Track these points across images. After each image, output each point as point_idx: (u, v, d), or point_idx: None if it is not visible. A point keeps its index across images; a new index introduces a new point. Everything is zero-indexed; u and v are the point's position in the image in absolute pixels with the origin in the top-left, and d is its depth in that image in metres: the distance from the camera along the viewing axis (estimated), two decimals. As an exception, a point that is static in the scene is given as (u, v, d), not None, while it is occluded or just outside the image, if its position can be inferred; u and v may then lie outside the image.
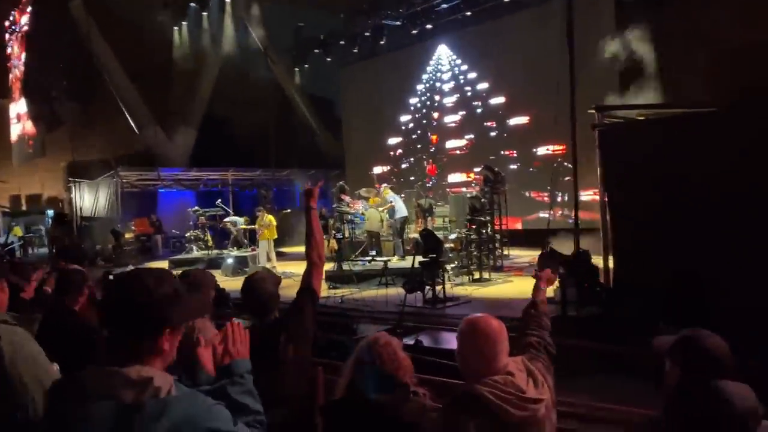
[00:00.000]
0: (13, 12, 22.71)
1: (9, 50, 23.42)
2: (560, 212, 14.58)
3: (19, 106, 22.76)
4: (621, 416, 4.28)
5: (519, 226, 15.14)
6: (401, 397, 2.17)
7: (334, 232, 13.28)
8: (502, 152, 16.31)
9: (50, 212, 21.84)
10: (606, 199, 7.46)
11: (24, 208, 24.29)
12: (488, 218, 10.75)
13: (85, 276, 3.64)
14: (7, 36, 23.46)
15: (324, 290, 9.93)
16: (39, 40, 20.78)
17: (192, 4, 19.34)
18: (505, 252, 12.51)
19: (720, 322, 2.45)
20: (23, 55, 21.95)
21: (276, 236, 13.87)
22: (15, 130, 23.07)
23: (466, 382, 1.83)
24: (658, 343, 2.00)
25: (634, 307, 6.68)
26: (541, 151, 15.25)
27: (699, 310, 5.49)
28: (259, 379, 1.64)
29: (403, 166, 19.44)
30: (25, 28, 21.69)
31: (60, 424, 1.38)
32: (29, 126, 21.85)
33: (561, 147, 13.99)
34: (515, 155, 16.16)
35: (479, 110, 17.20)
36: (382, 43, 18.73)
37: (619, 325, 6.56)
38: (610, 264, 7.58)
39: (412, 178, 18.45)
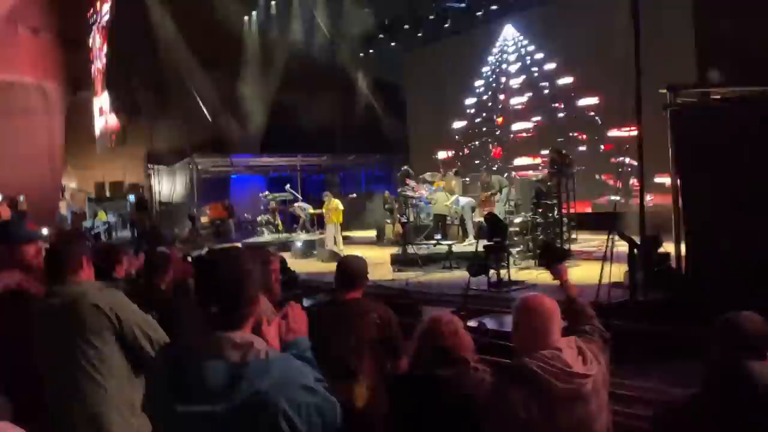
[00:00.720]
0: (94, 5, 23.75)
1: (91, 42, 24.54)
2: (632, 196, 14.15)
3: (101, 100, 23.94)
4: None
5: (589, 209, 14.82)
6: (462, 372, 2.30)
7: (399, 216, 13.44)
8: (571, 134, 15.93)
9: (131, 198, 23.06)
10: (678, 182, 7.25)
11: (108, 194, 25.70)
12: (555, 202, 10.61)
13: (170, 257, 3.95)
14: (89, 28, 24.59)
15: (389, 273, 10.16)
16: (118, 30, 21.76)
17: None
18: (573, 236, 12.31)
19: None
20: (105, 47, 22.97)
21: (342, 220, 14.18)
22: (98, 124, 24.32)
23: (516, 356, 1.94)
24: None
25: (707, 293, 6.52)
26: (612, 132, 14.82)
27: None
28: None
29: (467, 150, 19.33)
30: (106, 17, 22.64)
31: (178, 381, 1.60)
32: (112, 120, 22.97)
33: (633, 128, 13.53)
34: (585, 137, 15.77)
35: (546, 91, 16.84)
36: (446, 26, 18.59)
37: (691, 311, 6.42)
38: (683, 249, 7.37)
39: (477, 162, 18.34)
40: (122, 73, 21.99)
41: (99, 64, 23.93)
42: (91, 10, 24.05)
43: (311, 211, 16.14)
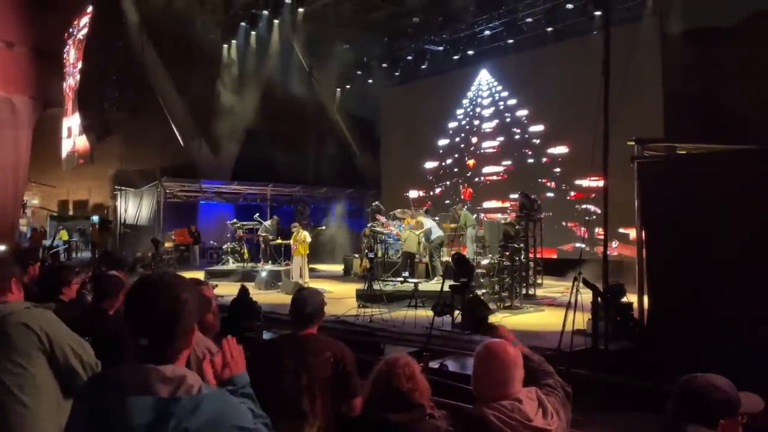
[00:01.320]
0: (72, 19, 23.47)
1: (65, 57, 24.18)
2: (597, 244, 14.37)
3: (71, 121, 23.49)
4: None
5: (554, 255, 14.96)
6: (416, 418, 2.21)
7: (366, 251, 13.36)
8: (540, 180, 16.20)
9: (95, 218, 22.53)
10: (642, 233, 7.35)
11: (71, 213, 25.10)
12: (522, 245, 10.67)
13: (122, 282, 3.79)
14: (66, 47, 24.28)
15: (353, 309, 10.01)
16: (94, 49, 21.53)
17: (243, 24, 19.89)
18: (539, 281, 12.38)
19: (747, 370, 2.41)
20: (79, 63, 22.64)
21: (308, 252, 14.02)
22: (65, 146, 23.80)
23: (475, 405, 1.86)
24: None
25: (664, 346, 6.55)
26: (580, 182, 15.09)
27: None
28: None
29: (438, 189, 19.46)
30: (84, 31, 22.34)
31: (100, 417, 1.46)
32: (80, 142, 22.50)
33: (600, 178, 13.76)
34: (553, 185, 16.03)
35: (518, 137, 17.15)
36: (423, 67, 18.93)
37: (651, 362, 6.43)
38: (645, 300, 7.43)
39: (447, 201, 18.46)
40: (96, 91, 21.71)
41: (72, 80, 23.55)
42: (69, 26, 23.79)
43: (279, 241, 15.96)
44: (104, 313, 3.41)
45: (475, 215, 16.56)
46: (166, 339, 1.51)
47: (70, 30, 23.29)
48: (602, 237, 12.85)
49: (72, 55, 23.22)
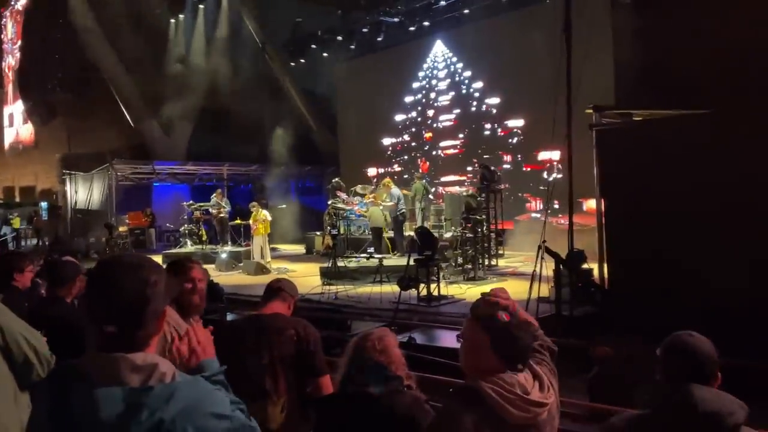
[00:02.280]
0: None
1: (2, 33, 22.98)
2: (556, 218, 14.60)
3: (13, 108, 22.39)
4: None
5: (511, 227, 15.13)
6: (394, 390, 2.20)
7: (329, 228, 13.27)
8: (497, 152, 16.29)
9: (44, 204, 21.74)
10: (602, 200, 7.47)
11: (17, 200, 24.15)
12: (483, 217, 10.74)
13: (78, 267, 3.62)
14: (3, 23, 23.04)
15: (318, 287, 9.95)
16: (34, 25, 20.52)
17: (189, -4, 19.28)
18: (500, 251, 12.53)
19: (711, 323, 2.47)
20: (18, 40, 21.53)
21: (269, 231, 13.85)
22: (8, 136, 22.74)
23: (470, 378, 1.81)
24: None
25: (627, 308, 6.71)
26: (537, 153, 15.22)
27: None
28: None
29: (397, 166, 19.40)
30: (21, 3, 21.17)
31: (64, 411, 1.36)
32: (24, 131, 21.50)
33: (557, 152, 13.93)
34: (509, 158, 16.14)
35: (474, 109, 17.18)
36: (379, 39, 18.67)
37: (612, 325, 6.59)
38: (605, 266, 7.59)
39: (405, 176, 18.43)
40: (37, 71, 20.76)
41: (11, 59, 22.44)
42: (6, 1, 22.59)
43: (237, 221, 15.70)
44: (62, 301, 3.25)
45: (433, 189, 16.65)
46: (135, 324, 1.39)
47: (7, 6, 22.10)
48: (557, 207, 13.20)
49: (10, 31, 22.07)
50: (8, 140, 22.76)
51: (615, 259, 7.21)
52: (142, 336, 1.41)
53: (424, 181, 14.83)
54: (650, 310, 6.24)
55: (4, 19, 22.40)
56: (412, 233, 11.49)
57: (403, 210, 12.55)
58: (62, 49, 20.41)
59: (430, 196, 15.19)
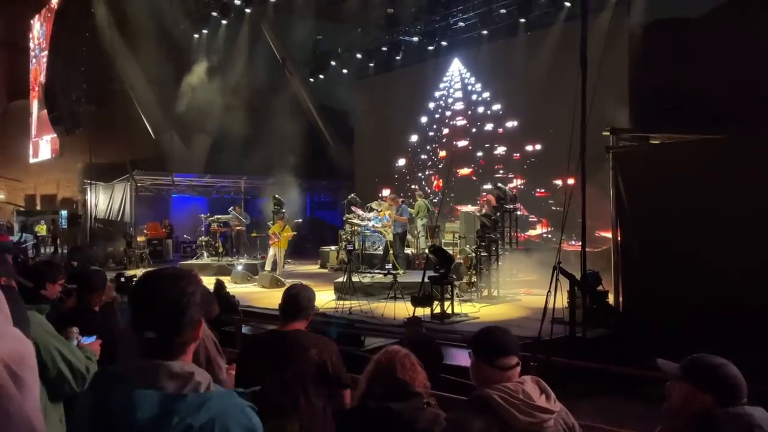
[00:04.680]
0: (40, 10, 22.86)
1: (32, 48, 23.58)
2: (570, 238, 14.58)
3: (39, 115, 22.92)
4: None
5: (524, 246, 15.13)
6: (417, 406, 2.25)
7: (344, 243, 13.36)
8: (511, 174, 16.35)
9: (63, 212, 22.08)
10: (618, 222, 7.50)
11: (38, 207, 24.54)
12: (498, 236, 10.78)
13: (105, 277, 3.74)
14: (32, 35, 23.66)
15: (332, 302, 10.02)
16: (61, 40, 21.03)
17: (213, 14, 19.59)
18: (513, 270, 12.51)
19: (729, 346, 2.49)
20: (46, 54, 22.08)
21: (286, 246, 13.98)
22: (33, 145, 23.30)
23: (478, 389, 1.91)
24: (663, 365, 2.05)
25: (641, 330, 6.71)
26: (552, 176, 15.23)
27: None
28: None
29: (411, 184, 19.47)
30: (50, 23, 21.78)
31: (104, 410, 1.45)
32: (48, 137, 21.92)
33: (572, 178, 13.90)
34: (524, 179, 16.16)
35: (489, 129, 17.27)
36: (398, 58, 18.90)
37: (626, 347, 6.59)
38: (620, 288, 7.60)
39: (418, 193, 18.47)
40: (63, 82, 21.21)
41: (38, 72, 22.98)
42: (36, 16, 23.21)
43: (254, 234, 15.88)
44: (90, 310, 3.36)
45: (444, 207, 16.72)
46: (173, 332, 1.50)
47: (36, 20, 22.71)
48: (560, 231, 13.16)
49: (38, 46, 22.65)
50: (33, 149, 23.25)
51: (629, 283, 7.22)
52: (179, 342, 1.51)
53: (426, 200, 15.01)
54: (665, 332, 6.25)
55: (34, 37, 23.05)
56: (425, 250, 11.57)
57: (408, 227, 12.80)
58: (88, 62, 20.84)
59: (435, 214, 15.28)
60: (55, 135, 21.82)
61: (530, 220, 15.71)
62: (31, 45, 23.38)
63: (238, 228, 15.94)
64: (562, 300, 7.37)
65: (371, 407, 2.25)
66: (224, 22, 19.74)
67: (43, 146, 23.11)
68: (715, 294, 6.03)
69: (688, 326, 6.02)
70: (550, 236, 14.95)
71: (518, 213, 13.40)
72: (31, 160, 24.15)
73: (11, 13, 22.21)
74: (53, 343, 2.52)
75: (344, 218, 14.23)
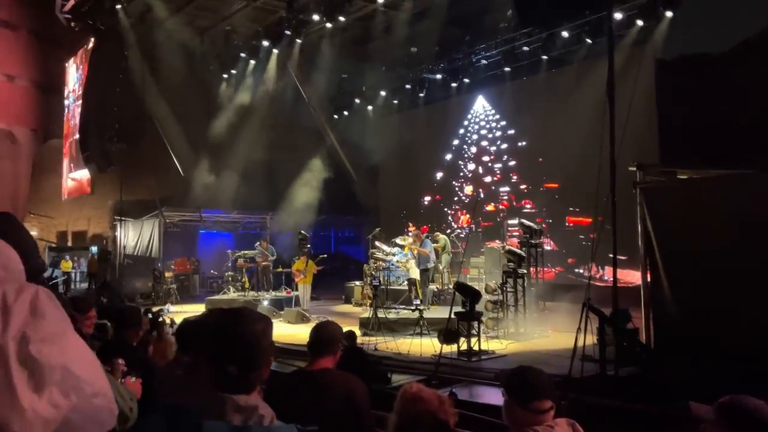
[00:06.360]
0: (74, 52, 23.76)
1: (66, 89, 24.44)
2: (597, 273, 14.39)
3: (72, 154, 23.58)
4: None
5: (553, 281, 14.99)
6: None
7: (370, 279, 13.37)
8: (533, 210, 16.32)
9: (93, 249, 22.50)
10: (647, 258, 7.42)
11: (69, 243, 25.04)
12: (525, 272, 10.71)
13: (140, 312, 3.83)
14: (67, 77, 24.53)
15: (357, 337, 9.98)
16: (95, 81, 21.76)
17: (242, 54, 20.17)
18: (540, 306, 12.37)
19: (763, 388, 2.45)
20: (80, 95, 22.85)
21: (311, 281, 14.03)
22: (66, 183, 23.96)
23: (511, 430, 1.90)
24: (696, 407, 2.03)
25: (674, 370, 6.57)
26: (576, 213, 15.17)
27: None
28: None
29: (437, 218, 19.52)
30: (84, 65, 22.62)
31: None
32: (81, 175, 22.49)
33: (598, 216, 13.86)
34: (549, 214, 16.10)
35: (513, 163, 17.32)
36: (421, 95, 19.17)
37: (658, 387, 6.44)
38: (651, 324, 7.47)
39: (447, 230, 18.51)
40: (97, 122, 21.86)
41: (72, 112, 23.74)
42: (71, 59, 24.11)
43: (279, 269, 15.98)
44: (128, 344, 3.43)
45: (475, 243, 16.67)
46: (251, 366, 1.63)
47: (71, 63, 23.59)
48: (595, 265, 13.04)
49: (73, 87, 23.48)
50: (66, 187, 23.90)
51: (660, 320, 7.10)
52: (254, 377, 1.64)
53: (447, 236, 15.04)
54: (697, 371, 6.11)
55: (68, 79, 23.89)
56: (449, 285, 11.52)
57: (433, 262, 12.82)
58: (119, 103, 21.49)
59: (459, 248, 15.27)
60: (88, 174, 22.39)
61: (561, 253, 15.57)
62: (67, 87, 24.23)
63: (264, 263, 16.07)
64: (592, 337, 7.27)
65: None
66: (252, 62, 20.28)
67: (76, 184, 23.73)
68: (747, 330, 5.90)
69: (722, 364, 5.88)
70: (580, 271, 14.80)
71: (546, 248, 13.31)
72: (64, 198, 24.77)
73: (48, 55, 23.11)
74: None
75: (369, 253, 14.27)
